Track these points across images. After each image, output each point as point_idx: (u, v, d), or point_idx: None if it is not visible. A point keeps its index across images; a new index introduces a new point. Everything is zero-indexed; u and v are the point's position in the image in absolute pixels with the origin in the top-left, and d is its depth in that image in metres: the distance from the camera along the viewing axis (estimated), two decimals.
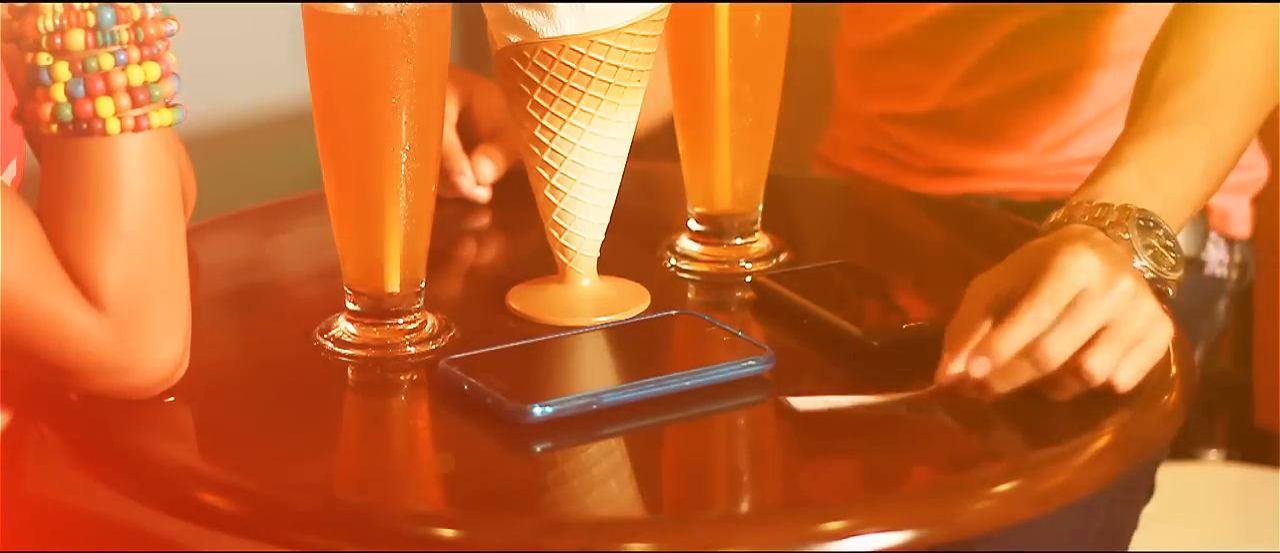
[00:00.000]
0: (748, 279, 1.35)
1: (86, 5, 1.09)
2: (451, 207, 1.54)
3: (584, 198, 1.26)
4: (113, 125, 1.09)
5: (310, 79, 1.22)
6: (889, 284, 1.32)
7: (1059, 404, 1.21)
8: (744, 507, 1.04)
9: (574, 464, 1.10)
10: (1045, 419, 1.17)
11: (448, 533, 1.03)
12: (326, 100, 1.22)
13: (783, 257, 1.39)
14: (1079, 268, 1.14)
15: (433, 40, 1.20)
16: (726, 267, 1.38)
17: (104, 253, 1.09)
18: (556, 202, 1.26)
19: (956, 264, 1.40)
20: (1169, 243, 1.25)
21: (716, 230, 1.39)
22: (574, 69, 1.21)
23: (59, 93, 1.09)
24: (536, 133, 1.24)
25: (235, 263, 1.45)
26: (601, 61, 1.21)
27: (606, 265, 1.30)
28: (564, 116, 1.23)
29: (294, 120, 2.89)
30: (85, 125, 1.09)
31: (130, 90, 1.10)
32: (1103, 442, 1.12)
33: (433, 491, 1.08)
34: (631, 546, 1.01)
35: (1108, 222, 1.22)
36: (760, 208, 1.39)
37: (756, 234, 1.39)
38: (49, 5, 1.09)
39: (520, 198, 1.32)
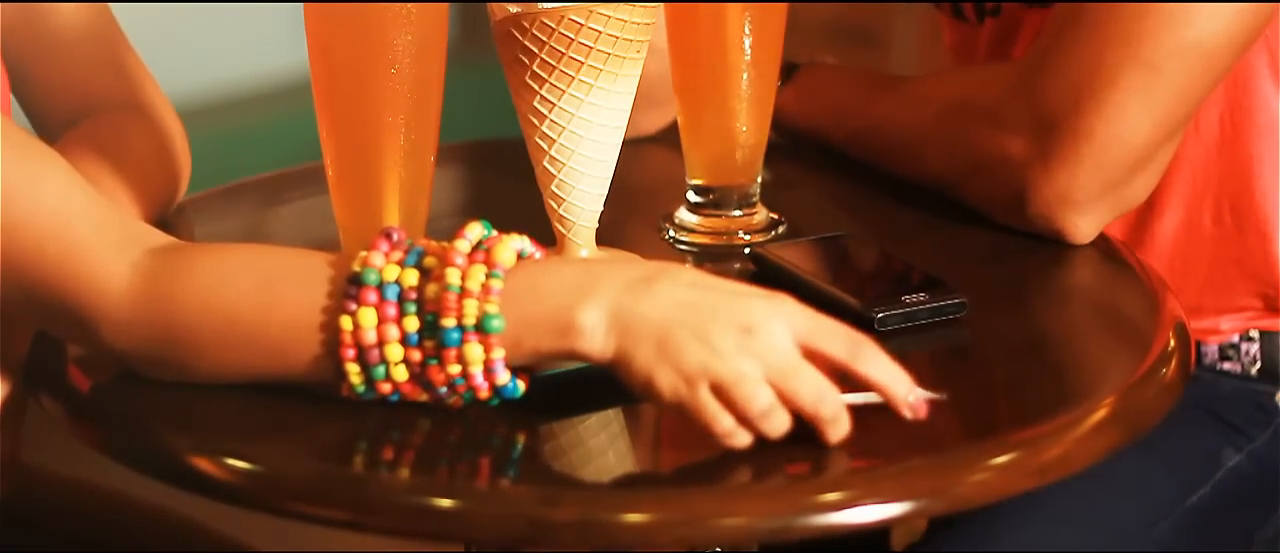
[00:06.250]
0: (746, 251, 1.35)
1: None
2: (449, 177, 1.53)
3: (583, 169, 1.25)
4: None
5: (309, 50, 1.22)
6: (889, 257, 1.32)
7: (1058, 377, 1.21)
8: (743, 477, 1.03)
9: (573, 435, 1.10)
10: (1044, 392, 1.17)
11: (445, 503, 1.03)
12: (325, 71, 1.22)
13: (782, 229, 1.39)
14: None
15: (431, 11, 1.20)
16: (725, 238, 1.38)
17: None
18: (555, 172, 1.26)
19: (957, 237, 1.40)
20: None
21: (715, 202, 1.39)
22: (573, 39, 1.21)
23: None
24: (535, 103, 1.24)
25: (233, 235, 1.45)
26: (600, 31, 1.21)
27: (605, 237, 1.30)
28: (563, 87, 1.23)
29: (293, 92, 2.89)
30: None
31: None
32: (1101, 414, 1.12)
33: (431, 461, 1.08)
34: (630, 516, 1.01)
35: None
36: (759, 179, 1.39)
37: (756, 206, 1.39)
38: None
39: (519, 169, 1.32)
